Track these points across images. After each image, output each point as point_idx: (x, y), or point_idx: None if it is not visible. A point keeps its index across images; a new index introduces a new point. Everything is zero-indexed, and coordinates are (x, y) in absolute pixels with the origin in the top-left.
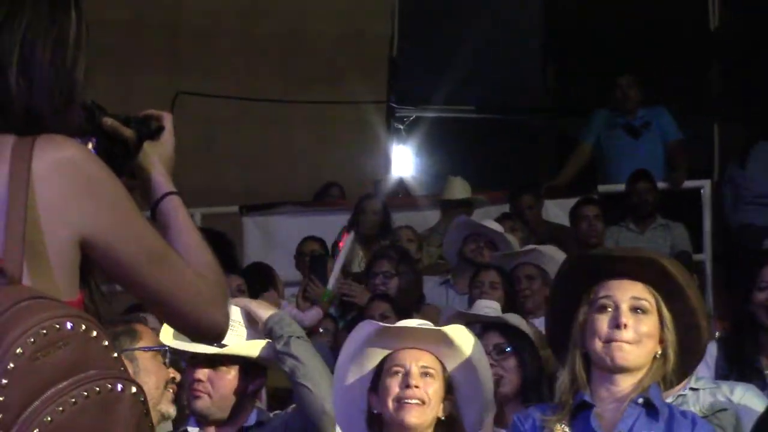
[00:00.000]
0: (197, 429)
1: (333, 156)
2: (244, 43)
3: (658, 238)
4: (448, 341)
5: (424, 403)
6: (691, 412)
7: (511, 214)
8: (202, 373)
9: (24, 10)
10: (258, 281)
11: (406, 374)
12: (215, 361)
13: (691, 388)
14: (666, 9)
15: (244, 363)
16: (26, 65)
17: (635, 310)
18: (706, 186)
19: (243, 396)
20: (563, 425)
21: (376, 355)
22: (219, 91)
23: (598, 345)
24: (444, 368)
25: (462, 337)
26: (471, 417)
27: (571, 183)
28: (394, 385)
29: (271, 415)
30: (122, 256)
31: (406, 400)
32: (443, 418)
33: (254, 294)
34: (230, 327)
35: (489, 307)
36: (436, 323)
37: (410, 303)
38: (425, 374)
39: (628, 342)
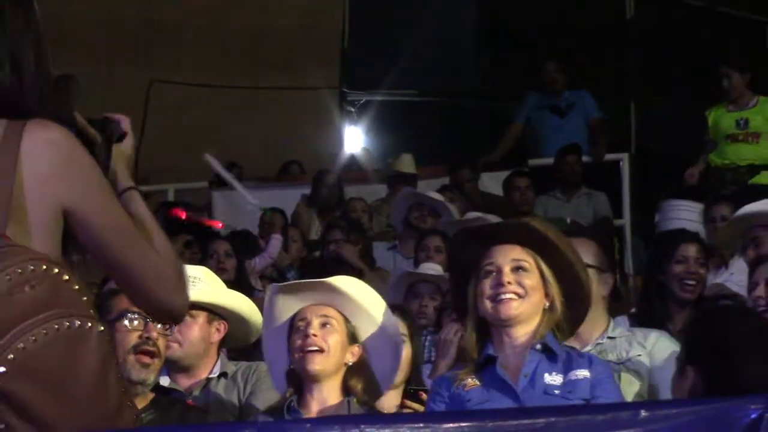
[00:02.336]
0: (167, 378)
1: (292, 136)
2: (211, 36)
3: (583, 205)
4: (340, 292)
5: (323, 351)
6: (588, 353)
7: (451, 186)
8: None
9: (4, 17)
10: (243, 246)
11: (306, 326)
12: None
13: (609, 337)
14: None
15: (209, 311)
16: (16, 66)
17: (516, 269)
18: (624, 159)
19: (209, 344)
20: (473, 378)
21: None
22: (188, 79)
23: (488, 304)
24: (347, 320)
25: (354, 287)
26: (381, 365)
27: (505, 158)
28: (296, 339)
29: (233, 366)
30: (97, 228)
31: (306, 348)
32: (351, 364)
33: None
34: (192, 282)
35: (432, 268)
36: (385, 285)
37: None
38: (324, 324)
39: (512, 296)
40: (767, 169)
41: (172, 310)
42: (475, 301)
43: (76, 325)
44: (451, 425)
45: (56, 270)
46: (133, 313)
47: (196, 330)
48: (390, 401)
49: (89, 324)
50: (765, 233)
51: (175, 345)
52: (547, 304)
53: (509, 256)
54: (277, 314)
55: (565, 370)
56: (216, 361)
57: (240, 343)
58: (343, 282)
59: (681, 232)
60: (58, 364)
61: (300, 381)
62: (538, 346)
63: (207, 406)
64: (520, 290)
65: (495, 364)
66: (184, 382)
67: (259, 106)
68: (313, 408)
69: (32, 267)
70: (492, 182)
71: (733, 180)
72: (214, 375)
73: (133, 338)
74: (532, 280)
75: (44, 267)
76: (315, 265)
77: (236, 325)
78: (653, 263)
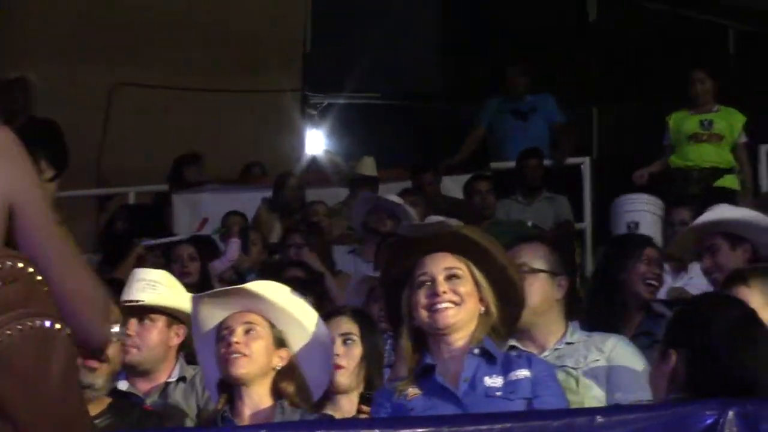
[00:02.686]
0: (126, 383)
1: (254, 139)
2: (174, 38)
3: (544, 209)
4: (262, 298)
5: (245, 356)
6: (528, 352)
7: (413, 190)
8: (131, 327)
9: None
10: (206, 249)
11: (230, 334)
12: (142, 315)
13: (567, 342)
14: (551, 3)
15: (168, 315)
16: None
17: (450, 278)
18: (586, 162)
19: (168, 348)
20: (414, 387)
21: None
22: (152, 81)
23: (424, 314)
24: (272, 324)
25: (276, 292)
26: (311, 369)
27: (467, 161)
28: (221, 347)
29: (192, 370)
30: (38, 230)
31: (229, 356)
32: (279, 368)
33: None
34: (151, 286)
35: None
36: (344, 288)
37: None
38: (248, 331)
39: (448, 304)
40: (730, 172)
41: (97, 337)
42: (410, 312)
43: (47, 325)
44: (406, 431)
45: (31, 269)
46: None
47: (155, 334)
48: (346, 406)
49: (58, 326)
50: (722, 241)
51: (134, 350)
52: (483, 308)
53: (442, 264)
54: (203, 324)
55: (505, 372)
56: (175, 365)
57: None
58: (265, 288)
59: (643, 236)
60: (31, 362)
61: (231, 389)
62: (476, 351)
63: (165, 410)
64: (455, 298)
65: (434, 372)
66: (142, 387)
67: (221, 109)
68: (246, 414)
69: (9, 263)
70: (454, 185)
71: (699, 180)
72: (173, 379)
73: None
74: (466, 287)
75: (20, 265)
76: (275, 268)
77: None
78: (612, 263)
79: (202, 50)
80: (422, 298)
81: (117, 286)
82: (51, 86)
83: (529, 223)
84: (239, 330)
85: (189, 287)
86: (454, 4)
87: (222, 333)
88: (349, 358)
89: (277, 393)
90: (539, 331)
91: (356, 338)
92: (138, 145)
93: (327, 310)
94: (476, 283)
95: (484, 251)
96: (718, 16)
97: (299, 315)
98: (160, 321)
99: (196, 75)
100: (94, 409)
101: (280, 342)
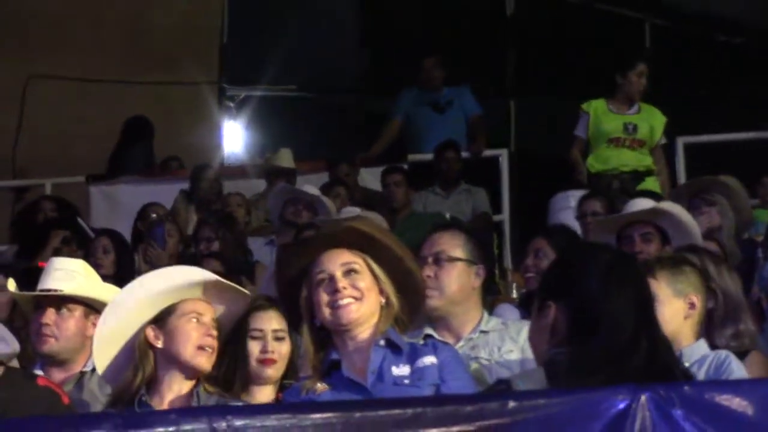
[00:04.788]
0: (41, 372)
1: (171, 131)
2: (89, 30)
3: (462, 201)
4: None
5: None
6: (433, 339)
7: (333, 182)
8: (48, 317)
9: None
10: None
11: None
12: (60, 304)
13: (482, 331)
14: None
15: (85, 306)
16: None
17: (348, 273)
18: (503, 154)
19: (85, 338)
20: (322, 383)
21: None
22: (67, 73)
23: (326, 311)
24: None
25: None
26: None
27: (384, 153)
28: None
29: None
30: None
31: (204, 348)
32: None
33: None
34: (69, 275)
35: None
36: (261, 278)
37: (237, 261)
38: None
39: (350, 300)
40: (650, 175)
41: None
42: (310, 310)
43: None
44: (318, 416)
45: None
46: None
47: (72, 324)
48: (265, 396)
49: None
50: (637, 232)
51: (52, 339)
52: (383, 300)
53: (338, 260)
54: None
55: (411, 360)
56: (90, 355)
57: None
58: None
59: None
60: None
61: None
62: (382, 342)
63: (80, 400)
64: (355, 293)
65: (341, 367)
66: (57, 376)
67: (137, 101)
68: (166, 398)
69: None
70: (371, 177)
71: (621, 188)
72: (88, 369)
73: None
74: (365, 281)
75: None
76: (191, 261)
77: None
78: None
79: (118, 41)
80: (323, 295)
81: (34, 274)
82: None
83: (447, 215)
84: (339, 273)
85: (104, 279)
86: None
87: (321, 277)
88: (281, 353)
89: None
90: (455, 319)
91: (286, 334)
92: (53, 137)
93: (256, 302)
94: (375, 277)
95: (380, 244)
96: (633, 9)
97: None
98: (78, 311)
99: (112, 67)
100: None
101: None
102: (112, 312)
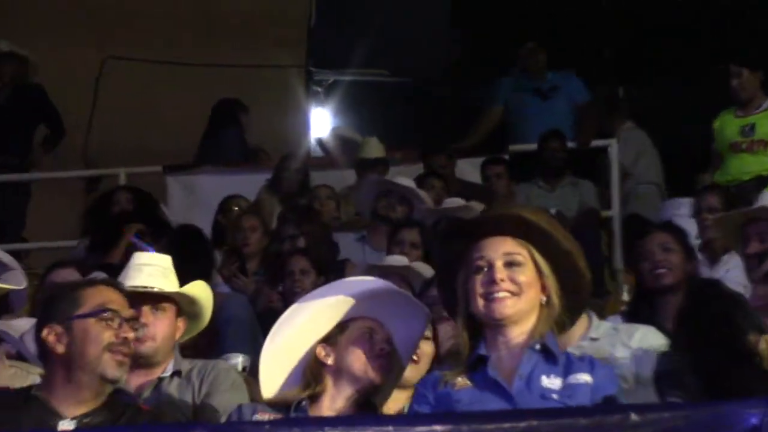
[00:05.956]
0: None
1: (256, 118)
2: (169, 11)
3: (568, 195)
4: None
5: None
6: (590, 356)
7: (428, 174)
8: (146, 316)
9: None
10: (187, 245)
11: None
12: (156, 303)
13: (591, 338)
14: None
15: (177, 305)
16: None
17: (509, 264)
18: (613, 145)
19: (174, 341)
20: (463, 377)
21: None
22: (145, 56)
23: (480, 303)
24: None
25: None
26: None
27: (483, 143)
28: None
29: (189, 364)
30: None
31: (375, 367)
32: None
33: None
34: (162, 272)
35: (397, 260)
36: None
37: (324, 258)
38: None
39: (506, 294)
40: None
41: None
42: (466, 297)
43: None
44: (421, 428)
45: None
46: (109, 310)
47: (167, 324)
48: (401, 399)
49: None
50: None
51: (149, 341)
52: (544, 299)
53: (501, 249)
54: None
55: (565, 374)
56: (172, 360)
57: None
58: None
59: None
60: None
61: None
62: (537, 346)
63: (159, 406)
64: (514, 287)
65: (486, 365)
66: (135, 381)
67: (218, 86)
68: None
69: None
70: (469, 169)
71: (739, 197)
72: (167, 374)
73: (108, 335)
74: (526, 275)
75: None
76: (274, 259)
77: (191, 319)
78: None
79: (200, 22)
80: (478, 284)
81: (110, 271)
82: (48, 65)
83: (552, 211)
84: (499, 263)
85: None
86: None
87: (479, 264)
88: (424, 353)
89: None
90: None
91: (430, 333)
92: (128, 123)
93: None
94: (538, 271)
95: (547, 235)
96: None
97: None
98: (171, 311)
99: (194, 49)
100: (85, 407)
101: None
102: (279, 330)
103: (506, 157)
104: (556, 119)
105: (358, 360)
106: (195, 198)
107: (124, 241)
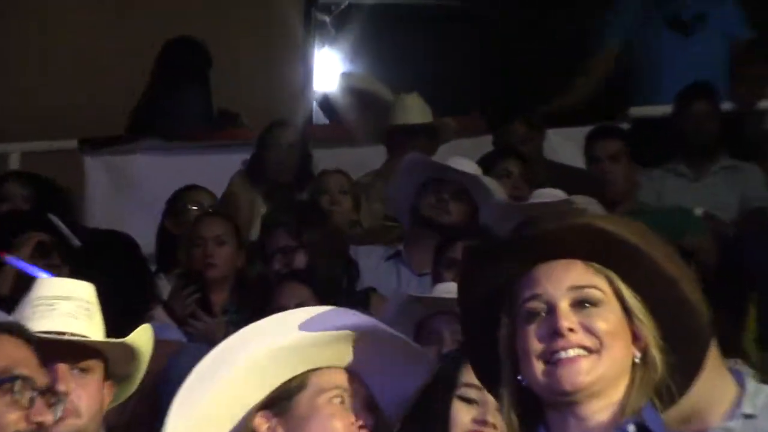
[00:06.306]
0: None
1: (227, 67)
2: None
3: (722, 186)
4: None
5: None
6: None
7: (501, 153)
8: (64, 379)
9: None
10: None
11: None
12: (79, 359)
13: (745, 415)
14: None
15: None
16: None
17: (580, 304)
18: None
19: (101, 412)
20: None
21: None
22: None
23: (538, 369)
24: None
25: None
26: None
27: (586, 104)
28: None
29: None
30: None
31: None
32: None
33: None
34: (85, 309)
35: (454, 290)
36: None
37: (335, 286)
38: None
39: (579, 351)
40: None
41: None
42: (512, 359)
43: None
44: None
45: None
46: (16, 378)
47: (95, 391)
48: None
49: None
50: None
51: (71, 418)
52: (638, 354)
53: (565, 281)
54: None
55: None
56: None
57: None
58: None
59: None
60: None
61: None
62: (630, 428)
63: None
64: (590, 341)
65: None
66: None
67: (173, 20)
68: None
69: None
70: (566, 144)
71: None
72: None
73: (15, 420)
74: (608, 320)
75: None
76: (255, 287)
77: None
78: None
79: None
80: (533, 340)
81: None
82: None
83: (698, 211)
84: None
85: None
86: None
87: (532, 306)
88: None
89: None
90: (698, 396)
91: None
92: (24, 79)
93: None
94: (626, 311)
95: (639, 256)
96: None
97: None
98: (98, 371)
99: None
100: None
101: None
102: (193, 391)
103: (625, 126)
104: (702, 65)
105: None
106: (128, 190)
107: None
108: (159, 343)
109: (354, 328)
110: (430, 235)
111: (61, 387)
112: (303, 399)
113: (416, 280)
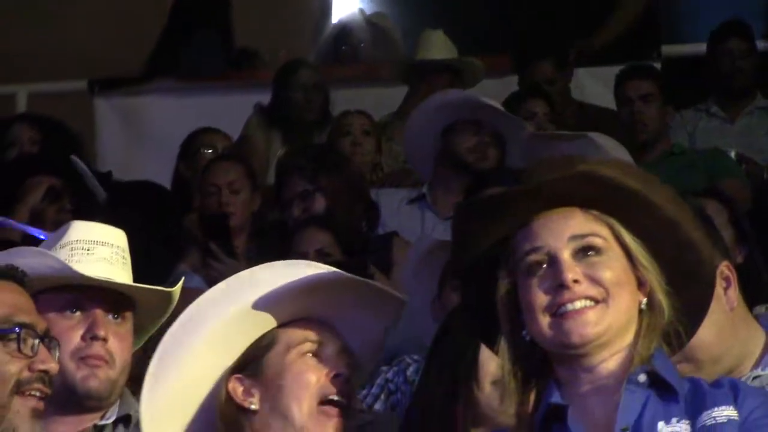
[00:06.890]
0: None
1: (244, 6)
2: None
3: (757, 128)
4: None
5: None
6: (729, 378)
7: (528, 93)
8: (102, 325)
9: None
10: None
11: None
12: (116, 307)
13: None
14: None
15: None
16: None
17: (583, 252)
18: None
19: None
20: None
21: None
22: None
23: (544, 323)
24: None
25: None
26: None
27: (617, 42)
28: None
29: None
30: None
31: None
32: None
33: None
34: (120, 255)
35: None
36: (401, 263)
37: (356, 231)
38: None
39: (584, 303)
40: None
41: None
42: (513, 316)
43: None
44: None
45: None
46: (18, 325)
47: (128, 343)
48: None
49: None
50: None
51: (103, 369)
52: (644, 300)
53: (565, 231)
54: None
55: (693, 412)
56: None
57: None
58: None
59: None
60: None
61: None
62: (641, 377)
63: None
64: (596, 290)
65: (566, 420)
66: (59, 428)
67: None
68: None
69: None
70: (596, 84)
71: None
72: (108, 420)
73: (16, 368)
74: (613, 267)
75: None
76: (272, 233)
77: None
78: None
79: None
80: (537, 292)
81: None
82: None
83: (732, 153)
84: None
85: None
86: None
87: (534, 259)
88: None
89: None
90: (723, 343)
91: None
92: (32, 20)
93: None
94: (630, 259)
95: (639, 199)
96: None
97: None
98: (130, 320)
99: None
100: None
101: None
102: (165, 358)
103: (657, 65)
104: (738, 3)
105: (298, 399)
106: (141, 133)
107: (25, 204)
108: (183, 291)
109: (315, 279)
110: (456, 178)
111: (99, 331)
112: (273, 357)
113: (441, 224)
